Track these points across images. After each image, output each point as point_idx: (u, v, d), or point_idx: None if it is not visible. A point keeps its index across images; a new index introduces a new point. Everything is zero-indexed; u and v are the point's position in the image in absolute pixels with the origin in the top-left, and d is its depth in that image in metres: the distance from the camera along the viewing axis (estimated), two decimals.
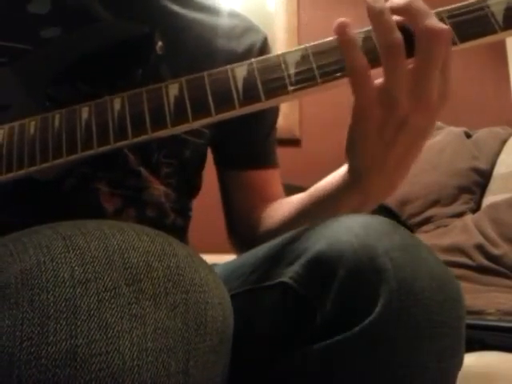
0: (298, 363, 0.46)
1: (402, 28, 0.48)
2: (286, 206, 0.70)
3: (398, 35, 0.47)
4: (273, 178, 0.80)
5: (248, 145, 0.77)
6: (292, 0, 1.97)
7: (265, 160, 0.79)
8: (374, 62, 0.48)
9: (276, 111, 0.80)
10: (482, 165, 1.61)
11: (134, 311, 0.33)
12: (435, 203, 1.57)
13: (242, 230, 0.79)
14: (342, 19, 0.49)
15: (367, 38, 0.49)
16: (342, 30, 0.48)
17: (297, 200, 0.68)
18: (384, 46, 0.48)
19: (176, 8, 0.69)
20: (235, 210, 0.79)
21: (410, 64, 0.48)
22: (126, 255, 0.36)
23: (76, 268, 0.34)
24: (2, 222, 0.59)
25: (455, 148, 1.65)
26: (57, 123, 0.50)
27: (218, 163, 0.80)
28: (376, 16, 0.47)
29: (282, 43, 1.92)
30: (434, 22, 0.47)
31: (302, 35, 1.94)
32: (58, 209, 0.60)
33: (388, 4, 0.48)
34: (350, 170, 0.56)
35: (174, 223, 0.71)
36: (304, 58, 0.49)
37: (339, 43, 0.49)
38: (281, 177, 0.81)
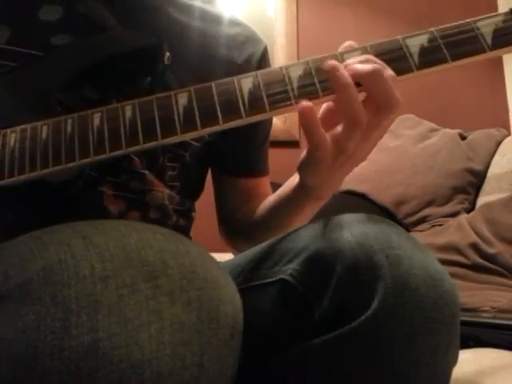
0: (296, 359, 0.47)
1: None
2: (263, 205, 0.74)
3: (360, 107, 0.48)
4: (262, 182, 0.82)
5: (241, 154, 0.79)
6: (291, 6, 1.99)
7: (257, 169, 0.82)
8: None
9: (269, 123, 0.82)
10: (477, 166, 1.62)
11: (152, 306, 0.35)
12: (430, 203, 1.58)
13: (229, 225, 0.83)
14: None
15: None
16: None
17: (267, 202, 0.73)
18: (347, 120, 0.49)
19: (180, 17, 0.70)
20: (225, 206, 0.83)
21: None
22: (142, 253, 0.37)
23: (96, 265, 0.36)
24: (12, 222, 0.60)
25: (450, 149, 1.66)
26: (69, 128, 0.52)
27: (212, 166, 0.82)
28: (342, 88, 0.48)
29: (281, 48, 1.95)
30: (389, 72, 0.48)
31: (301, 40, 1.96)
32: (63, 211, 0.60)
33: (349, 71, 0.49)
34: (300, 184, 0.60)
35: (177, 224, 0.72)
36: (306, 72, 0.51)
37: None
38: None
